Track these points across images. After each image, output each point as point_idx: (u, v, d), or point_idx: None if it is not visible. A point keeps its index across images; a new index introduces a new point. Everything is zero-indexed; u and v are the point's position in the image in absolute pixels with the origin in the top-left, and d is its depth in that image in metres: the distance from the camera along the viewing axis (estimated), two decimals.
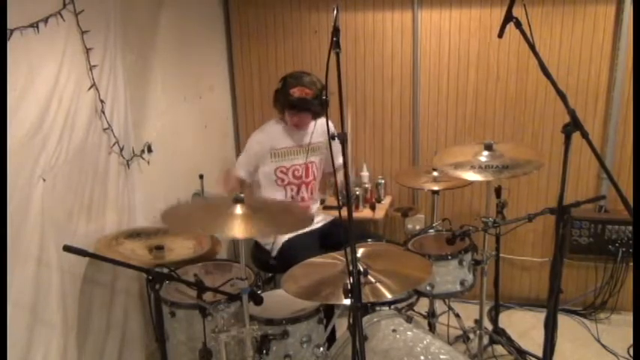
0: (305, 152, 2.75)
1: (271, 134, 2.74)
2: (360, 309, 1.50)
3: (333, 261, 1.95)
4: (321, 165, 2.86)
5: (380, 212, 3.20)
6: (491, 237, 2.58)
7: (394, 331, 2.03)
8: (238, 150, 3.64)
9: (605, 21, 2.94)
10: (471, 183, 2.83)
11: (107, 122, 2.25)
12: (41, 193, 1.90)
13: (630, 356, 2.79)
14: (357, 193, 3.22)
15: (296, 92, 2.60)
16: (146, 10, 2.61)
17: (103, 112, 2.22)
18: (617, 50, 2.94)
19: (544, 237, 3.33)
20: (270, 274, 2.95)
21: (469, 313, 2.93)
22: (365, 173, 3.37)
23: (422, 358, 1.90)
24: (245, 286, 1.82)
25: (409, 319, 2.13)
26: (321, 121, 2.77)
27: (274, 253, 2.71)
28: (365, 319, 2.09)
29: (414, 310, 2.87)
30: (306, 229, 2.73)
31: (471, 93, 3.23)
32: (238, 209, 1.80)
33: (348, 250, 1.49)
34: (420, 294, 2.48)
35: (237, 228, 1.74)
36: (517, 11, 1.62)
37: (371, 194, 3.32)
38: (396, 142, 3.41)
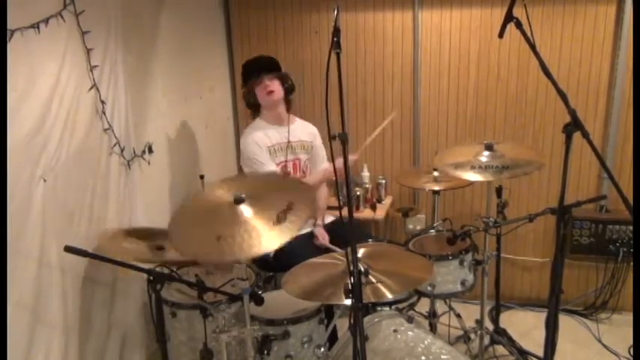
0: (289, 148, 2.79)
1: (264, 131, 2.76)
2: (361, 309, 1.50)
3: (333, 261, 1.95)
4: (308, 163, 2.91)
5: (381, 212, 3.20)
6: (492, 237, 2.58)
7: (395, 331, 2.03)
8: (238, 150, 3.63)
9: (605, 21, 2.94)
10: (472, 183, 2.83)
11: (108, 123, 2.25)
12: (42, 193, 1.90)
13: (631, 356, 2.79)
14: (358, 193, 3.23)
15: (249, 61, 2.78)
16: (147, 10, 2.61)
17: (104, 113, 2.22)
18: (617, 50, 2.94)
19: (545, 237, 3.32)
20: (270, 274, 2.95)
21: (470, 313, 2.93)
22: (365, 173, 3.37)
23: (423, 358, 1.89)
24: (246, 287, 1.82)
25: (410, 320, 2.13)
26: (302, 121, 2.90)
27: (272, 254, 2.71)
28: (366, 319, 2.09)
29: (414, 311, 2.88)
30: (305, 231, 2.75)
31: (472, 93, 3.23)
32: (242, 211, 1.76)
33: (349, 250, 1.49)
34: (420, 294, 2.49)
35: (255, 243, 1.64)
36: (517, 11, 1.62)
37: (372, 194, 3.32)
38: (397, 142, 3.41)
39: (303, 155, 2.87)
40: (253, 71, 2.73)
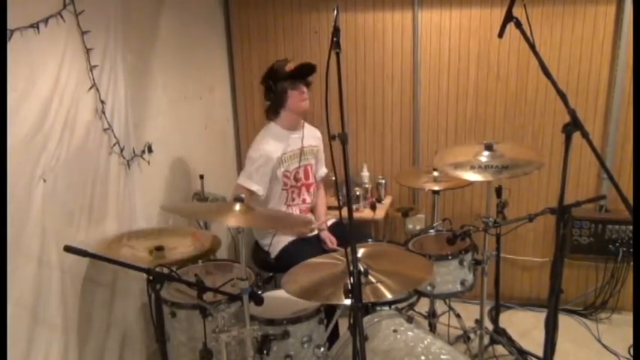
0: (302, 154, 2.75)
1: (279, 139, 2.70)
2: (361, 309, 1.50)
3: (333, 261, 1.95)
4: (316, 168, 2.90)
5: (380, 212, 3.20)
6: (491, 237, 2.58)
7: (395, 331, 2.03)
8: (239, 150, 3.64)
9: (605, 20, 2.94)
10: (472, 183, 2.83)
11: (107, 122, 2.25)
12: (42, 193, 1.90)
13: (631, 356, 2.79)
14: (358, 193, 3.23)
15: (291, 66, 2.64)
16: (146, 10, 2.61)
17: (104, 113, 2.22)
18: (617, 49, 2.94)
19: (544, 237, 3.33)
20: (269, 274, 2.95)
21: (470, 313, 2.93)
22: (365, 173, 3.37)
23: (422, 358, 1.89)
24: (246, 287, 1.82)
25: (410, 319, 2.13)
26: (309, 126, 2.85)
27: (273, 255, 2.71)
28: (365, 319, 2.09)
29: (414, 310, 2.88)
30: (308, 235, 2.75)
31: (472, 93, 3.23)
32: (237, 207, 1.83)
33: (349, 250, 1.49)
34: (420, 294, 2.49)
35: (236, 218, 1.78)
36: (517, 11, 1.62)
37: (371, 194, 3.32)
38: (397, 142, 3.41)
39: (312, 160, 2.86)
40: (300, 77, 2.65)
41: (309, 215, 2.86)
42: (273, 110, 2.72)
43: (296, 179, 2.76)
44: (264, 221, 1.83)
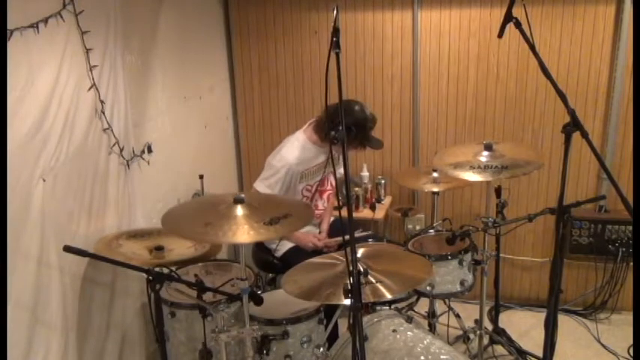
0: (326, 167, 2.70)
1: (306, 154, 2.63)
2: (360, 309, 1.51)
3: (333, 261, 1.95)
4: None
5: (380, 212, 3.20)
6: (491, 237, 2.58)
7: (394, 331, 2.03)
8: (238, 150, 3.64)
9: (605, 21, 2.94)
10: (471, 183, 2.83)
11: (107, 122, 2.25)
12: (41, 193, 1.90)
13: (630, 356, 2.79)
14: (357, 192, 3.22)
15: (375, 132, 2.60)
16: (146, 10, 2.61)
17: (103, 113, 2.22)
18: (617, 50, 2.94)
19: (544, 237, 3.33)
20: (272, 275, 2.95)
21: (469, 313, 2.93)
22: (365, 173, 3.37)
23: (422, 358, 1.90)
24: (245, 287, 1.82)
25: (409, 319, 2.14)
26: None
27: (279, 254, 2.71)
28: (365, 319, 2.09)
29: (414, 310, 2.88)
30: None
31: (471, 93, 3.23)
32: (239, 210, 1.79)
33: (349, 250, 1.49)
34: (420, 294, 2.49)
35: (240, 233, 1.70)
36: (517, 11, 1.62)
37: (371, 194, 3.32)
38: (396, 142, 3.41)
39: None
40: (373, 146, 2.60)
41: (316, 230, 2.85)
42: (321, 133, 2.59)
43: (314, 189, 2.74)
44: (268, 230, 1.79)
